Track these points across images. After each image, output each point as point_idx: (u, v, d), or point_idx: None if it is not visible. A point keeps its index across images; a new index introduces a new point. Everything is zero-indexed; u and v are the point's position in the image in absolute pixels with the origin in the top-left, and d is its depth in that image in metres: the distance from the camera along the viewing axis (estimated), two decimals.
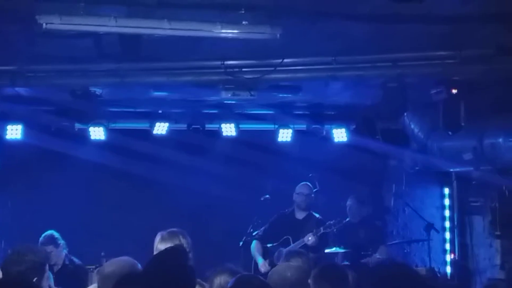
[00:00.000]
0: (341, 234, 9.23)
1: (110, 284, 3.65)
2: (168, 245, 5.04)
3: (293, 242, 8.61)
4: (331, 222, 8.59)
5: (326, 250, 8.87)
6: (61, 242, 8.00)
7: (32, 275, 4.27)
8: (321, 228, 8.51)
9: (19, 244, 4.55)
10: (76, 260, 8.25)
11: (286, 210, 8.96)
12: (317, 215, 8.94)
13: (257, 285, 4.10)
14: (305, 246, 8.30)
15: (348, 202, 9.52)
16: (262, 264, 8.54)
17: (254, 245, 8.84)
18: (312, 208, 8.97)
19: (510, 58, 6.76)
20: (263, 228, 8.88)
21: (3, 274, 4.25)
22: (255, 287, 4.08)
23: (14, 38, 6.48)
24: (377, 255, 8.94)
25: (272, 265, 8.23)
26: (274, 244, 8.65)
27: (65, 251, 8.06)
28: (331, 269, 5.07)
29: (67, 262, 8.04)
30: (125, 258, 4.51)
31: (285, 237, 8.67)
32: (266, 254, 8.69)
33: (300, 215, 8.91)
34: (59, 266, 7.88)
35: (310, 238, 8.45)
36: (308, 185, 8.98)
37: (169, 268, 2.87)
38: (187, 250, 5.78)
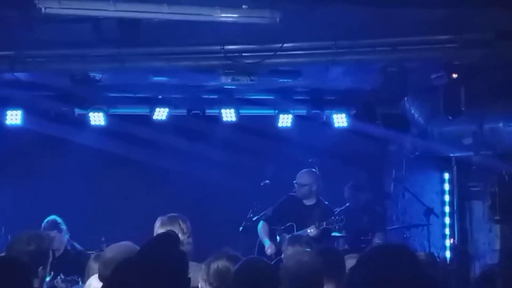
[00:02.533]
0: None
1: (111, 269, 3.66)
2: (168, 229, 5.06)
3: (297, 230, 8.52)
4: (335, 218, 8.46)
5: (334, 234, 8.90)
6: (64, 227, 8.03)
7: (38, 264, 4.27)
8: (324, 223, 8.39)
9: (21, 231, 4.52)
10: (77, 245, 8.27)
11: (295, 194, 8.78)
12: (325, 203, 8.84)
13: (263, 268, 4.11)
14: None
15: (346, 190, 9.53)
16: (269, 246, 8.45)
17: (261, 226, 8.73)
18: (320, 195, 8.80)
19: (510, 42, 6.75)
20: (271, 208, 8.75)
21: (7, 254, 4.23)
22: (260, 270, 4.08)
23: (13, 23, 6.47)
24: (377, 240, 8.96)
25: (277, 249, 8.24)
26: (278, 228, 8.59)
27: (66, 237, 8.09)
28: (328, 252, 5.08)
29: (69, 248, 8.07)
30: (125, 243, 4.52)
31: (289, 223, 8.58)
32: (270, 237, 8.64)
33: (308, 201, 8.79)
34: (61, 251, 7.90)
35: (312, 230, 8.34)
36: (307, 174, 8.79)
37: (160, 253, 2.88)
38: (188, 234, 5.81)
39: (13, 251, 4.21)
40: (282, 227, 8.57)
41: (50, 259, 4.52)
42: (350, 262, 4.82)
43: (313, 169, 8.93)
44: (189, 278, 3.05)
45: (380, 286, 2.37)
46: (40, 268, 4.27)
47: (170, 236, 3.08)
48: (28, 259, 4.15)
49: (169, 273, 2.86)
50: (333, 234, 8.90)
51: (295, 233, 8.46)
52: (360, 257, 2.74)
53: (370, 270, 2.47)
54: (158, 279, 2.82)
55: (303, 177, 8.76)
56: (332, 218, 8.46)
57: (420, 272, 2.47)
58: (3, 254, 4.31)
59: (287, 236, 7.77)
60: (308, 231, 8.36)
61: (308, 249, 5.21)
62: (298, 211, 8.66)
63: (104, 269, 4.29)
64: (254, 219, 8.86)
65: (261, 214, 8.81)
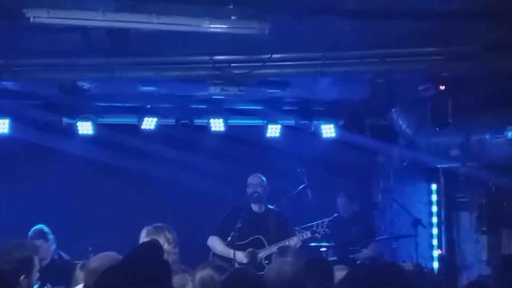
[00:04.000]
0: (332, 229, 9.25)
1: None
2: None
3: (267, 242, 8.40)
4: (320, 227, 8.40)
5: (312, 244, 8.88)
6: (51, 236, 8.01)
7: (19, 273, 4.24)
8: (309, 233, 8.34)
9: (4, 242, 4.51)
10: (64, 255, 8.24)
11: (239, 204, 8.61)
12: (271, 207, 8.73)
13: (251, 279, 4.11)
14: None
15: (339, 199, 9.54)
16: (244, 255, 8.36)
17: (215, 240, 8.49)
18: (266, 201, 8.71)
19: (496, 55, 6.80)
20: (218, 224, 8.58)
21: None
22: (248, 280, 4.08)
23: (1, 32, 6.45)
24: (365, 251, 8.98)
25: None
26: (240, 243, 8.29)
27: (53, 246, 8.06)
28: (316, 263, 5.09)
29: (55, 257, 8.05)
30: (110, 253, 4.53)
31: (254, 236, 8.42)
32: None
33: (257, 208, 8.65)
34: (48, 261, 7.87)
35: (295, 242, 8.28)
36: (259, 175, 8.73)
37: (143, 262, 2.89)
38: (173, 244, 5.81)
39: None
40: (243, 242, 8.32)
41: (37, 268, 4.51)
42: (338, 274, 4.83)
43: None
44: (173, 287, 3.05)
45: None
46: (22, 277, 4.25)
47: (152, 245, 3.09)
48: (10, 267, 4.14)
49: (153, 282, 2.86)
50: (322, 244, 8.92)
51: (267, 247, 8.40)
52: (349, 273, 2.76)
53: (357, 284, 2.49)
54: (141, 286, 2.82)
55: (258, 177, 8.70)
56: (317, 226, 8.40)
57: (406, 285, 2.48)
58: None
59: (276, 248, 7.74)
60: (291, 243, 8.26)
61: (289, 260, 5.19)
62: (253, 222, 8.47)
63: (89, 279, 4.29)
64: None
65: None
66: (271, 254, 8.25)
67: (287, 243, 8.30)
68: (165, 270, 2.96)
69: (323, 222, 9.20)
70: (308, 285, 4.53)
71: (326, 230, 8.40)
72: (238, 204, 8.67)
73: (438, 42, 6.88)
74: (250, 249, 8.37)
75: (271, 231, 8.50)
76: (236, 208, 8.58)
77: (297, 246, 8.28)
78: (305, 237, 8.32)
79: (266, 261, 8.19)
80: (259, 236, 8.44)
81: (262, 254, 8.39)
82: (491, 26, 6.37)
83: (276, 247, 8.23)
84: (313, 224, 8.70)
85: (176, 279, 4.73)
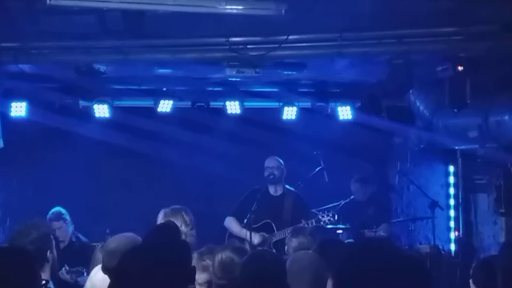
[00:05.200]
0: (348, 211, 9.25)
1: (115, 260, 3.67)
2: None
3: (276, 227, 8.36)
4: (324, 216, 8.29)
5: (329, 226, 8.87)
6: (68, 218, 8.06)
7: (44, 249, 4.28)
8: (313, 221, 8.23)
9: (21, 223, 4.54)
10: (82, 237, 8.29)
11: (258, 187, 8.60)
12: (292, 189, 8.70)
13: (271, 260, 4.10)
14: None
15: (352, 185, 9.51)
16: (258, 236, 8.33)
17: (230, 221, 8.54)
18: (285, 182, 8.68)
19: None
20: (236, 205, 8.61)
21: None
22: (268, 262, 4.07)
23: (17, 14, 6.46)
24: (381, 233, 8.96)
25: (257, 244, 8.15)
26: (254, 226, 8.26)
27: (71, 228, 8.11)
28: (331, 244, 5.05)
29: (73, 239, 8.10)
30: (128, 234, 4.54)
31: (265, 221, 8.41)
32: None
33: (274, 191, 8.65)
34: (66, 243, 7.93)
35: None
36: (275, 158, 8.69)
37: (161, 243, 2.89)
38: (190, 226, 5.83)
39: (16, 245, 4.21)
40: (256, 226, 8.32)
41: (54, 243, 4.54)
42: None
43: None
44: (194, 267, 3.04)
45: (366, 277, 2.38)
46: (48, 252, 4.29)
47: (169, 227, 3.09)
48: (33, 247, 4.18)
49: (172, 262, 2.87)
50: (338, 226, 8.90)
51: (276, 232, 8.38)
52: (347, 252, 2.74)
53: (355, 262, 2.49)
54: (162, 268, 2.82)
55: (275, 160, 8.68)
56: (322, 215, 8.31)
57: (404, 262, 2.47)
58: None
59: (291, 229, 7.69)
60: None
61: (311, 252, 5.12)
62: (268, 205, 8.46)
63: (107, 260, 4.31)
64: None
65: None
66: (278, 240, 8.26)
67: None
68: (185, 250, 2.96)
69: (339, 204, 9.21)
70: (325, 269, 4.49)
71: (331, 218, 8.31)
72: (256, 186, 8.65)
73: (457, 22, 6.79)
74: (261, 233, 8.38)
75: (287, 213, 8.48)
76: (254, 191, 8.57)
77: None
78: (310, 224, 8.23)
79: (274, 247, 8.14)
80: (269, 221, 8.43)
81: (271, 239, 8.38)
82: (510, 5, 6.29)
83: (283, 235, 8.18)
84: (324, 209, 8.66)
85: (205, 258, 4.77)
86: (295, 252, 5.29)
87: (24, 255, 3.25)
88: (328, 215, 8.32)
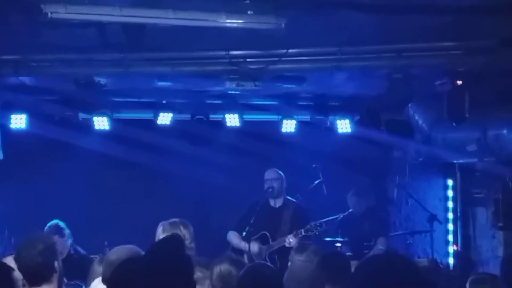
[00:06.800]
0: (345, 225, 9.26)
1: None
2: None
3: (271, 238, 8.37)
4: (314, 224, 8.26)
5: (327, 239, 8.86)
6: (67, 231, 8.04)
7: (52, 260, 4.30)
8: (302, 231, 8.18)
9: (23, 238, 4.54)
10: (81, 250, 8.28)
11: (258, 199, 8.59)
12: (294, 201, 8.70)
13: (268, 275, 4.10)
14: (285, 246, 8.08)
15: (349, 198, 9.52)
16: (256, 249, 8.33)
17: (231, 235, 8.55)
18: (286, 194, 8.64)
19: None
20: (238, 218, 8.60)
21: (19, 263, 4.24)
22: (266, 276, 4.07)
23: (18, 27, 6.48)
24: (380, 246, 8.96)
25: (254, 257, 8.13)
26: (252, 238, 8.30)
27: (70, 241, 8.10)
28: (333, 257, 5.06)
29: (72, 252, 8.09)
30: (129, 246, 4.53)
31: (262, 232, 8.40)
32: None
33: (274, 203, 8.62)
34: (64, 256, 7.90)
35: (291, 240, 8.11)
36: (275, 170, 8.66)
37: (165, 255, 2.90)
38: (189, 240, 5.82)
39: (24, 258, 4.23)
40: (254, 237, 8.34)
41: (58, 253, 4.56)
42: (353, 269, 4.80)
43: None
44: (195, 281, 3.05)
45: None
46: (55, 262, 4.31)
47: (175, 239, 3.09)
48: (41, 259, 4.19)
49: (174, 275, 2.87)
50: (334, 239, 8.89)
51: (271, 243, 8.39)
52: (359, 263, 2.76)
53: (367, 276, 2.49)
54: (163, 281, 2.83)
55: (274, 172, 8.65)
56: (310, 224, 8.26)
57: (417, 277, 2.48)
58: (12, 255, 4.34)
59: (295, 245, 7.60)
60: (287, 242, 8.14)
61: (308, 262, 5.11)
62: (267, 217, 8.46)
63: (108, 271, 4.30)
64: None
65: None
66: (274, 251, 8.28)
67: (284, 241, 8.20)
68: (188, 264, 2.97)
69: (337, 217, 9.22)
70: (325, 282, 4.50)
71: (319, 228, 8.29)
72: (257, 199, 8.64)
73: (455, 37, 6.83)
74: (258, 245, 8.38)
75: (284, 224, 8.47)
76: (254, 203, 8.57)
77: (294, 244, 7.94)
78: (299, 235, 8.20)
79: (269, 258, 8.14)
80: (265, 232, 8.43)
81: (267, 250, 8.38)
82: (508, 20, 6.33)
83: (277, 246, 8.25)
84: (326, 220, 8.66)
85: (197, 271, 4.75)
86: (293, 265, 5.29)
87: (2, 267, 3.26)
88: (316, 224, 8.27)
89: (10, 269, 3.50)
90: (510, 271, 4.24)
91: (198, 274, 4.78)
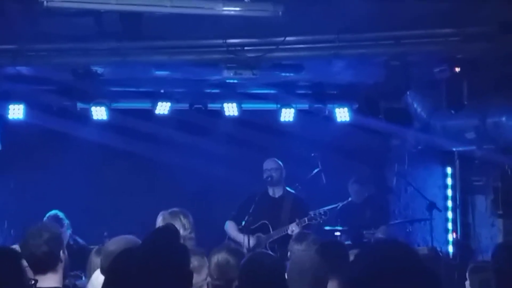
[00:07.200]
0: (346, 213, 9.26)
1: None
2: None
3: (272, 228, 8.38)
4: (317, 213, 8.27)
5: (327, 228, 8.84)
6: (66, 222, 8.04)
7: (58, 249, 4.29)
8: (306, 219, 8.19)
9: (27, 228, 4.53)
10: (80, 240, 8.28)
11: (257, 189, 8.59)
12: (293, 192, 8.70)
13: (269, 264, 4.09)
14: (287, 234, 8.06)
15: (350, 186, 9.51)
16: (253, 240, 8.32)
17: (229, 225, 8.55)
18: (285, 183, 8.66)
19: None
20: (237, 208, 8.60)
21: (24, 251, 4.23)
22: (267, 265, 4.06)
23: (15, 16, 6.46)
24: (379, 235, 8.96)
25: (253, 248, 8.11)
26: (251, 227, 8.27)
27: (69, 231, 8.09)
28: (332, 246, 5.06)
29: (71, 242, 8.08)
30: (127, 237, 4.53)
31: (262, 221, 8.41)
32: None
33: (274, 192, 8.62)
34: None
35: (293, 229, 8.09)
36: (274, 160, 8.66)
37: (160, 245, 2.88)
38: (189, 229, 5.81)
39: (30, 247, 4.22)
40: (253, 227, 8.32)
41: (64, 243, 4.56)
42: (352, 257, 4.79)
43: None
44: (191, 271, 3.04)
45: (378, 278, 2.37)
46: (61, 252, 4.30)
47: (169, 229, 3.07)
48: (47, 248, 4.19)
49: (170, 265, 2.85)
50: (336, 228, 8.89)
51: (272, 232, 8.39)
52: (359, 251, 2.74)
53: (367, 263, 2.47)
54: (159, 271, 2.81)
55: (273, 162, 8.65)
56: (314, 213, 8.28)
57: (418, 264, 2.46)
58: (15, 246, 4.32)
59: (295, 234, 7.60)
60: (289, 230, 8.14)
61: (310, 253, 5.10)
62: (267, 206, 8.46)
63: (106, 262, 4.29)
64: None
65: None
66: (274, 240, 8.29)
67: (287, 230, 8.21)
68: (183, 254, 2.95)
69: (337, 206, 9.21)
70: (326, 270, 4.49)
71: (324, 217, 8.30)
72: (256, 189, 8.63)
73: (454, 23, 6.81)
74: (258, 234, 8.38)
75: (285, 214, 8.47)
76: (253, 194, 8.57)
77: (295, 232, 8.00)
78: (302, 223, 8.21)
79: (270, 248, 8.13)
80: (265, 222, 8.43)
81: (266, 240, 8.37)
82: (507, 6, 6.30)
83: (278, 235, 8.25)
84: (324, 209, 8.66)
85: (193, 260, 4.74)
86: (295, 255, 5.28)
87: (12, 254, 3.25)
88: (319, 212, 8.29)
89: (19, 256, 3.48)
90: (501, 259, 4.22)
91: (194, 263, 4.78)
